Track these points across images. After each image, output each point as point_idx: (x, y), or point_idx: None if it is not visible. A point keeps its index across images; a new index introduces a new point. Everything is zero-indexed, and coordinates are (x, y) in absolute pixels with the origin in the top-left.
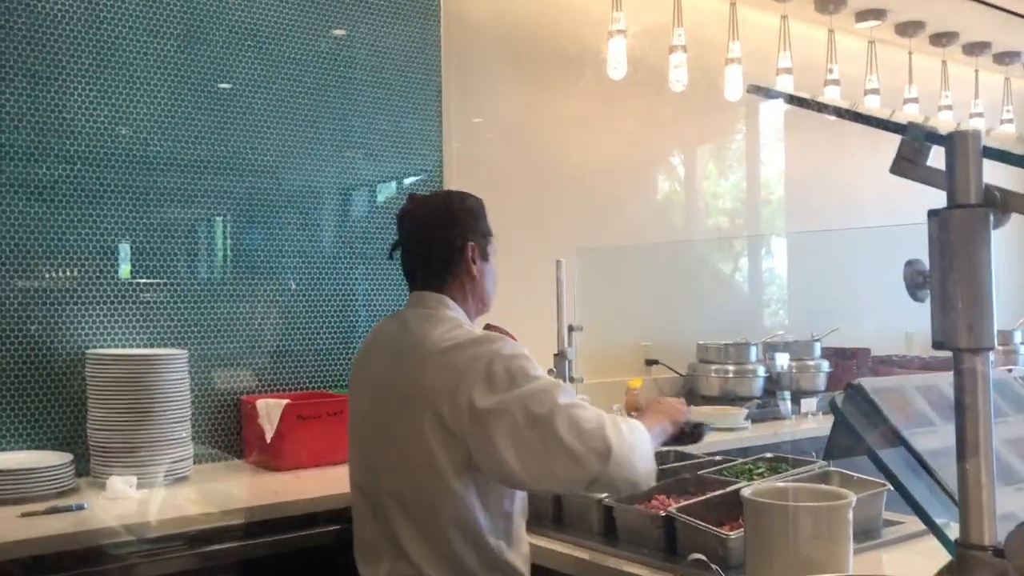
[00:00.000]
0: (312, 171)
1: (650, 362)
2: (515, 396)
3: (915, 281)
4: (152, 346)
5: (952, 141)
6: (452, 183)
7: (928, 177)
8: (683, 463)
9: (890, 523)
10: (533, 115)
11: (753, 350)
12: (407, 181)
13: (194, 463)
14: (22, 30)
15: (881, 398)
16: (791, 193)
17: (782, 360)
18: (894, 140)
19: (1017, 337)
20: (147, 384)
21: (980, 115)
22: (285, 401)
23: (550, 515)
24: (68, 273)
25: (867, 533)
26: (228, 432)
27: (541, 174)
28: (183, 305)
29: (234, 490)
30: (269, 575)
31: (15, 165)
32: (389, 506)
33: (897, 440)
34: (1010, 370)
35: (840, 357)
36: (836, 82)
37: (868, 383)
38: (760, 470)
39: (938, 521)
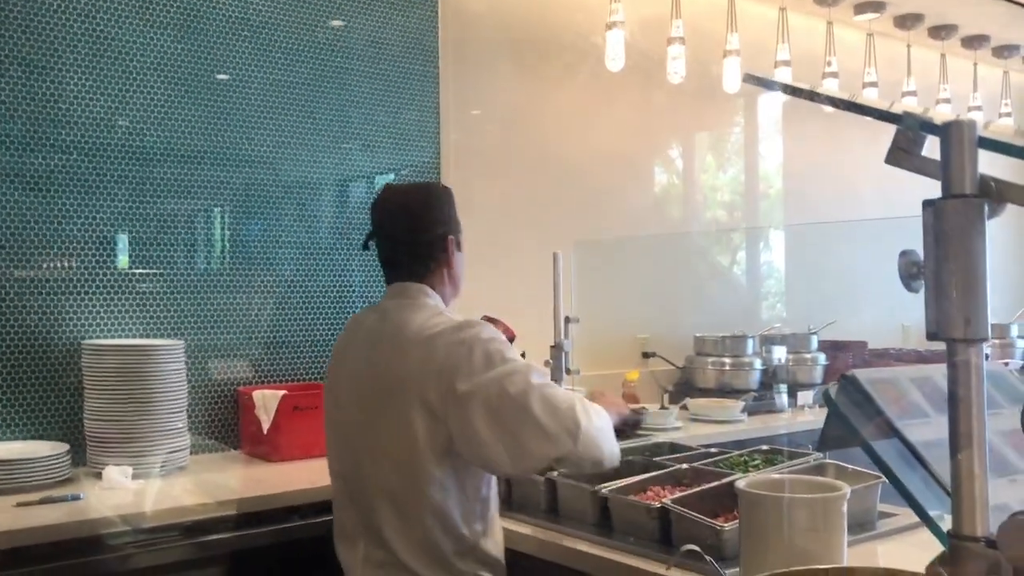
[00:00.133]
0: (309, 162)
1: (647, 354)
2: (491, 377)
3: (909, 272)
4: (149, 337)
5: (947, 131)
6: (449, 175)
7: (923, 167)
8: (679, 455)
9: (885, 515)
10: (531, 107)
11: (750, 343)
12: (404, 173)
13: (191, 454)
14: (17, 19)
15: (875, 389)
16: (789, 186)
17: (779, 353)
18: (892, 132)
19: (1014, 331)
20: (143, 374)
21: (979, 108)
22: (282, 392)
23: (544, 506)
24: (64, 263)
25: (862, 525)
26: (225, 423)
27: (539, 166)
28: (180, 296)
29: (230, 480)
30: (265, 565)
31: (10, 155)
32: (369, 493)
33: (891, 431)
34: (1007, 363)
35: (837, 350)
36: (834, 75)
37: (862, 374)
38: (756, 462)
39: (932, 513)
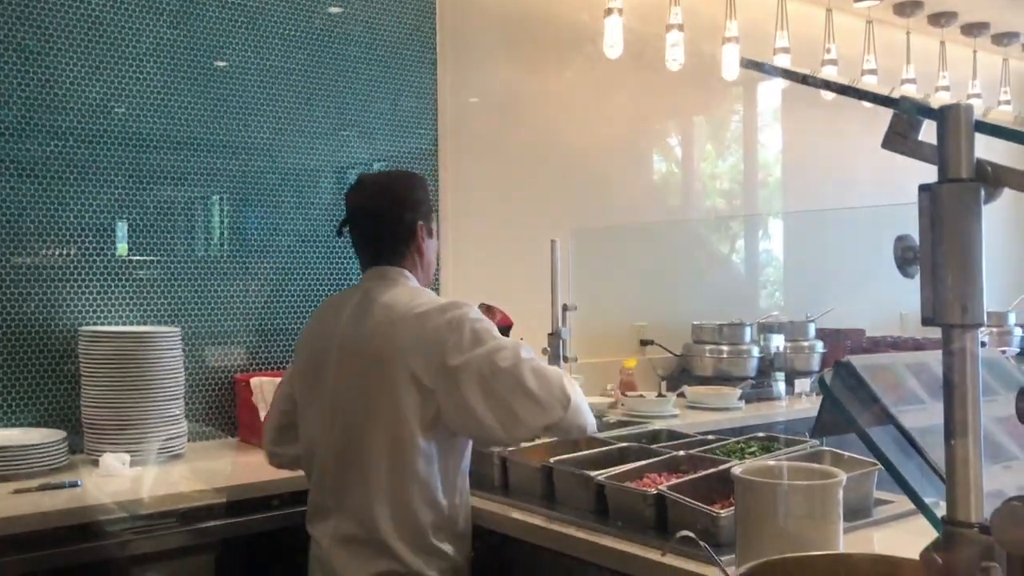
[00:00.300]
0: (306, 150)
1: (645, 342)
2: (482, 352)
3: (905, 257)
4: (146, 324)
5: (944, 115)
6: (447, 162)
7: (920, 151)
8: (676, 442)
9: (881, 502)
10: (529, 94)
11: (747, 331)
12: (402, 160)
13: (188, 441)
14: (12, 4)
15: (870, 376)
16: (788, 174)
17: (776, 341)
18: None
19: (1011, 319)
20: (140, 361)
21: (978, 96)
22: (279, 379)
23: (541, 493)
24: (61, 250)
25: (858, 512)
26: (222, 410)
27: (536, 153)
28: (177, 283)
29: (227, 467)
30: (262, 552)
31: (4, 141)
32: (354, 466)
33: (886, 418)
34: (1004, 351)
35: (834, 338)
36: (834, 62)
37: (857, 360)
38: (752, 449)
39: (927, 500)
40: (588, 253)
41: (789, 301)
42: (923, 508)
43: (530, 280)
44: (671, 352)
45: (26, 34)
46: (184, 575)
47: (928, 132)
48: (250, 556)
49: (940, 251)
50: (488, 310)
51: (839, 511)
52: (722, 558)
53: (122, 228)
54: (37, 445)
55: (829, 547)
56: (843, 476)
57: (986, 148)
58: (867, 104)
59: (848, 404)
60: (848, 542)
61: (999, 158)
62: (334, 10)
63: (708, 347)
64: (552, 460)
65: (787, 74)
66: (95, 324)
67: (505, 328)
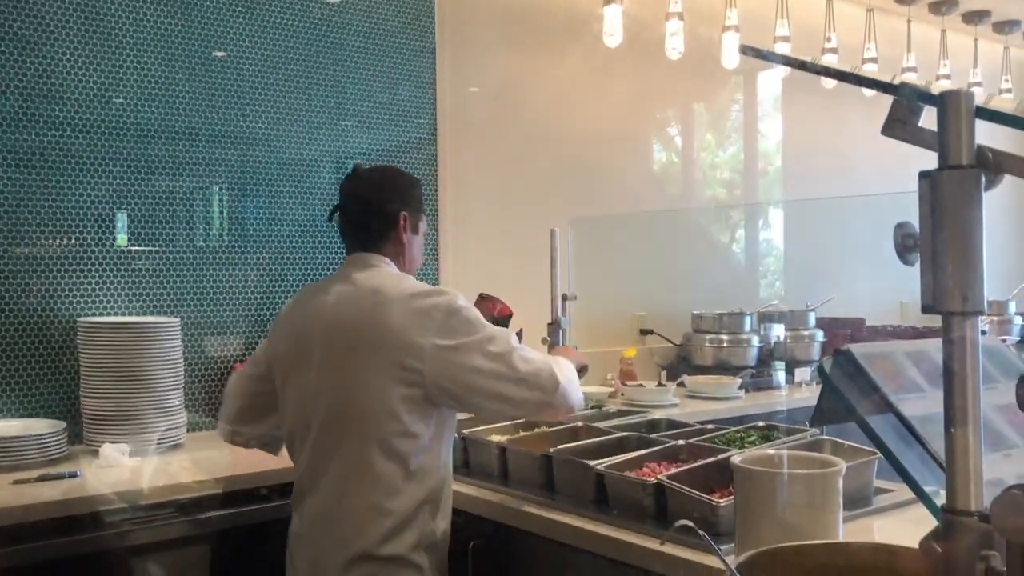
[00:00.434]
0: (305, 140)
1: (645, 332)
2: (475, 339)
3: (905, 244)
4: (145, 314)
5: (944, 101)
6: (446, 152)
7: (920, 138)
8: (675, 431)
9: (882, 491)
10: (528, 83)
11: (748, 320)
12: (401, 150)
13: (187, 431)
14: None
15: (870, 364)
16: (788, 163)
17: (776, 330)
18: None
19: (1012, 307)
20: (140, 352)
21: (979, 84)
22: None
23: (540, 482)
24: (60, 241)
25: (858, 501)
26: (221, 400)
27: (536, 142)
28: (176, 273)
29: (227, 458)
30: (261, 542)
31: (2, 132)
32: (332, 446)
33: (885, 406)
34: (1004, 340)
35: (834, 327)
36: (834, 50)
37: (857, 349)
38: (752, 438)
39: (927, 488)
40: (588, 242)
41: (789, 290)
42: (923, 497)
43: (530, 270)
44: (671, 341)
45: (23, 24)
46: (183, 565)
47: (928, 119)
48: (249, 546)
49: (940, 238)
50: (488, 300)
51: (839, 500)
52: (721, 547)
53: (121, 218)
54: (37, 436)
55: (829, 536)
56: (843, 465)
57: (988, 137)
58: (867, 93)
59: (848, 393)
60: (848, 531)
61: (1000, 146)
62: None
63: (708, 336)
64: (551, 450)
65: (787, 61)
66: (94, 315)
67: (505, 318)
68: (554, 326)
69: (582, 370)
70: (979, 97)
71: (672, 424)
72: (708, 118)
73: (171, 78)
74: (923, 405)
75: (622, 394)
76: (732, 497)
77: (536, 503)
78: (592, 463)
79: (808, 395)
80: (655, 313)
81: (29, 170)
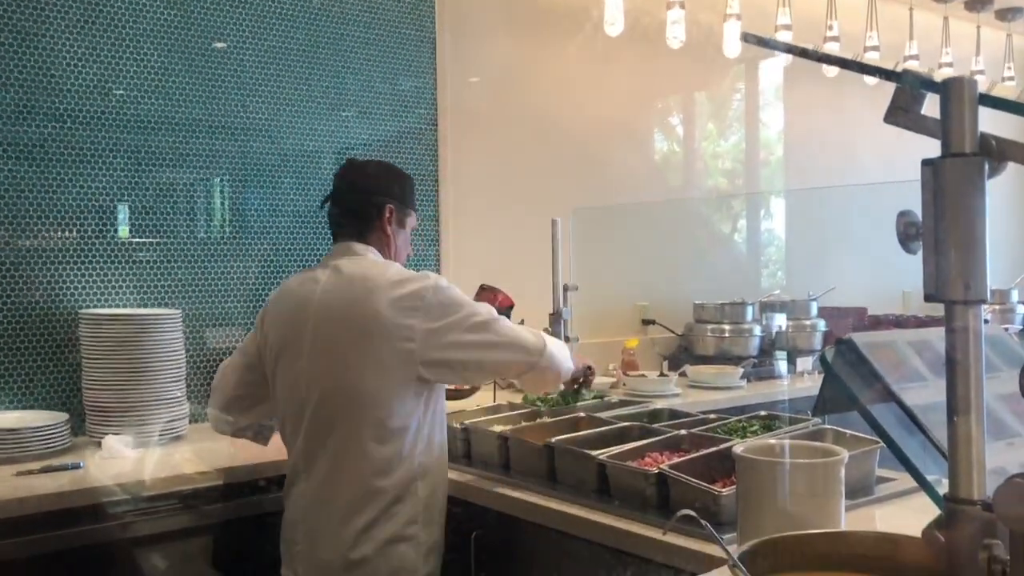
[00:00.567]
0: (306, 131)
1: (647, 322)
2: (459, 316)
3: (908, 232)
4: (146, 306)
5: (947, 88)
6: (447, 142)
7: (922, 125)
8: (677, 421)
9: (884, 480)
10: (529, 72)
11: (749, 310)
12: (402, 140)
13: (189, 422)
14: None
15: (872, 353)
16: (790, 152)
17: (778, 320)
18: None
19: (1014, 296)
20: (142, 344)
21: (981, 72)
22: None
23: (543, 472)
24: (61, 233)
25: (860, 490)
26: None
27: (537, 132)
28: (177, 265)
29: (229, 449)
30: (263, 532)
31: (3, 124)
32: (326, 430)
33: (888, 395)
34: (1006, 329)
35: (836, 316)
36: (835, 39)
37: (859, 338)
38: (754, 428)
39: (929, 477)
40: (589, 233)
41: (791, 280)
42: (925, 485)
43: (531, 260)
44: (673, 332)
45: (23, 15)
46: (186, 556)
47: (931, 107)
48: (251, 537)
49: (943, 227)
50: (489, 291)
51: (841, 489)
52: (723, 536)
53: (122, 210)
54: (39, 427)
55: (831, 525)
56: (845, 454)
57: (991, 125)
58: (869, 81)
59: (850, 382)
60: (850, 520)
61: (1003, 134)
62: None
63: (710, 326)
64: (553, 439)
65: (790, 48)
66: (96, 307)
67: (506, 308)
68: (555, 316)
69: (589, 370)
70: (982, 85)
71: (674, 414)
72: (710, 107)
73: (171, 69)
74: (925, 394)
75: (624, 384)
76: (734, 487)
77: (538, 493)
78: (594, 453)
79: (810, 385)
80: (657, 303)
81: (30, 162)
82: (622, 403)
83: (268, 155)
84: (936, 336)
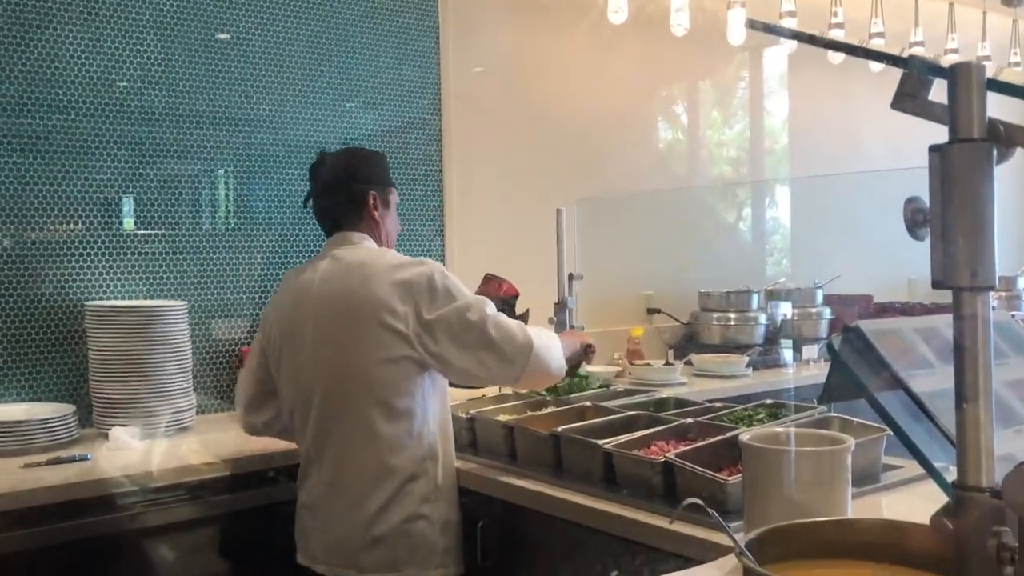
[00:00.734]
0: (310, 121)
1: (652, 311)
2: (454, 308)
3: (915, 219)
4: (152, 298)
5: (955, 73)
6: (451, 131)
7: (930, 111)
8: (683, 410)
9: (890, 467)
10: (533, 61)
11: (755, 298)
12: (406, 130)
13: (196, 413)
14: None
15: (879, 340)
16: (795, 140)
17: (784, 308)
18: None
19: (1021, 283)
20: (148, 335)
21: (987, 59)
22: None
23: (549, 462)
24: (66, 226)
25: (866, 478)
26: (230, 383)
27: (541, 121)
28: (183, 256)
29: (236, 440)
30: (271, 522)
31: (6, 116)
32: (332, 418)
33: (895, 383)
34: (1013, 315)
35: (842, 304)
36: (840, 25)
37: (866, 325)
38: (760, 416)
39: (937, 464)
40: (594, 222)
41: (796, 268)
42: (933, 473)
43: (536, 250)
44: (678, 320)
45: (26, 8)
46: (194, 546)
47: (938, 92)
48: (258, 527)
49: (951, 213)
50: (494, 280)
51: (847, 477)
52: (730, 525)
53: (127, 202)
54: (47, 419)
55: (837, 513)
56: (851, 442)
57: (997, 112)
58: (874, 68)
59: (857, 369)
60: (856, 508)
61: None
62: None
63: (715, 315)
64: (559, 429)
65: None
66: (102, 299)
67: (511, 298)
68: (560, 306)
69: (588, 348)
70: (988, 71)
71: (680, 403)
72: (714, 95)
73: (175, 61)
74: (933, 381)
75: (629, 373)
76: (741, 475)
77: (544, 482)
78: (600, 442)
79: (816, 373)
80: (662, 292)
81: (34, 155)
82: (628, 392)
83: (272, 146)
84: (943, 323)
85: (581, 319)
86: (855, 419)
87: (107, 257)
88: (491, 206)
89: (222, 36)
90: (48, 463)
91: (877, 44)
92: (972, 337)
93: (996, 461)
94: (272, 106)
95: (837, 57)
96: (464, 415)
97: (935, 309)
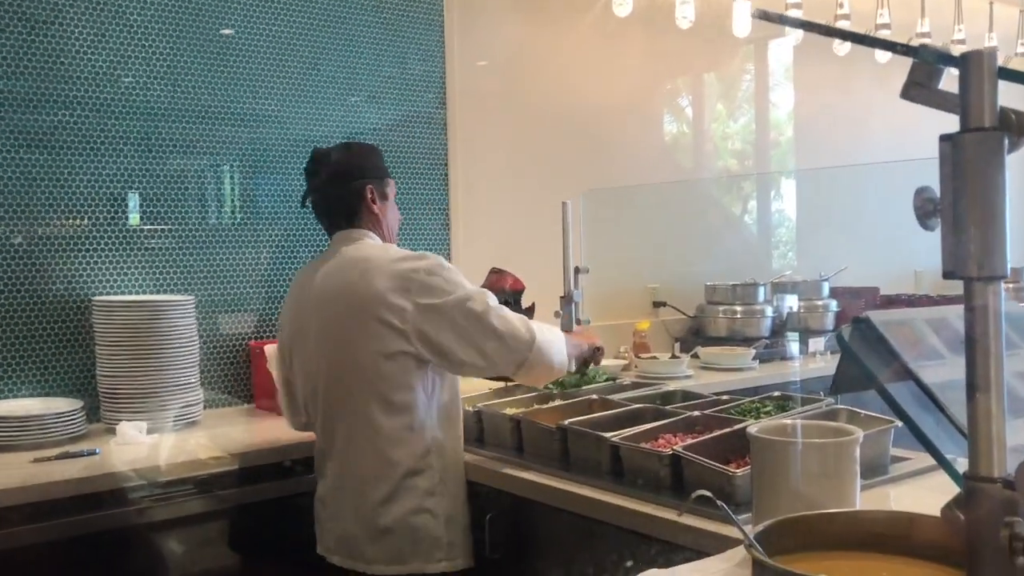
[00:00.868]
0: (315, 116)
1: (658, 304)
2: (455, 298)
3: (926, 209)
4: (159, 292)
5: (966, 62)
6: (456, 125)
7: (940, 101)
8: (690, 402)
9: (898, 459)
10: (538, 54)
11: (761, 290)
12: (411, 124)
13: (204, 408)
14: None
15: (889, 331)
16: (800, 132)
17: (790, 300)
18: (904, 73)
19: None
20: (155, 330)
21: (995, 49)
22: None
23: (556, 455)
24: (73, 221)
25: (875, 469)
26: (237, 377)
27: (546, 114)
28: (189, 251)
29: (243, 434)
30: (278, 517)
31: (14, 112)
32: (337, 411)
33: (905, 373)
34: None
35: (848, 296)
36: (846, 16)
37: (876, 316)
38: (767, 408)
39: (947, 456)
40: (600, 215)
41: (802, 260)
42: (944, 464)
43: (541, 243)
44: (684, 313)
45: (33, 4)
46: (202, 540)
47: (948, 82)
48: (266, 520)
49: (962, 202)
50: (500, 274)
51: (855, 469)
52: (738, 517)
53: (133, 198)
54: (55, 414)
55: (846, 505)
56: (859, 433)
57: (1004, 102)
58: (880, 59)
59: (867, 360)
60: (865, 499)
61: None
62: None
63: (721, 308)
64: (566, 422)
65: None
66: (109, 294)
67: (517, 292)
68: (566, 299)
69: (598, 351)
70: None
71: (687, 395)
72: (719, 88)
73: (180, 57)
74: (943, 372)
75: (636, 366)
76: (748, 467)
77: (551, 475)
78: (607, 435)
79: (823, 365)
80: (668, 285)
81: (41, 151)
82: (634, 385)
83: (277, 141)
84: (954, 314)
85: (587, 312)
86: (863, 411)
87: (114, 252)
88: (496, 200)
89: (226, 32)
90: (57, 458)
91: (884, 35)
92: (983, 327)
93: (1008, 452)
94: (277, 101)
95: (842, 49)
96: (471, 408)
97: (942, 301)
